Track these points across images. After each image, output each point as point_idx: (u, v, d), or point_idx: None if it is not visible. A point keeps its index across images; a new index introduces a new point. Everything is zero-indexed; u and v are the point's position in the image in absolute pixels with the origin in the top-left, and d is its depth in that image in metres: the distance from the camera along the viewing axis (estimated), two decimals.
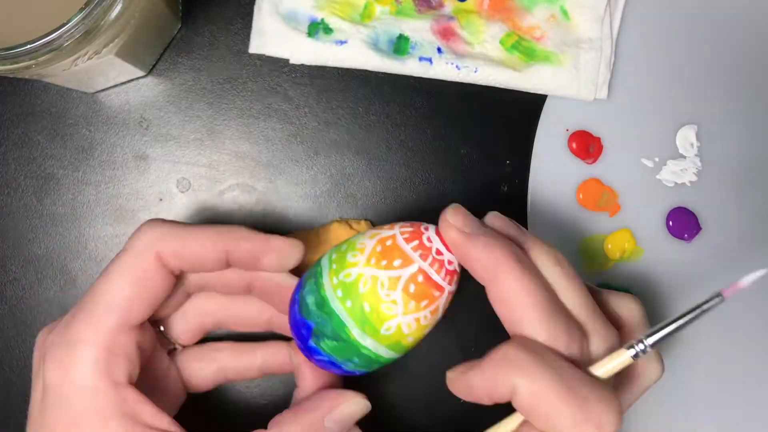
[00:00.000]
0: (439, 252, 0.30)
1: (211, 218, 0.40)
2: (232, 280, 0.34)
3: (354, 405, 0.31)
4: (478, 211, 0.41)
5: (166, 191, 0.40)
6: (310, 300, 0.30)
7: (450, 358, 0.40)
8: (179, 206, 0.40)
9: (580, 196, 0.40)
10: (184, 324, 0.35)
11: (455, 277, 0.30)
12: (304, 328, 0.31)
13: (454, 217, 0.30)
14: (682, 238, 0.41)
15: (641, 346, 0.28)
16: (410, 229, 0.30)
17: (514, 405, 0.28)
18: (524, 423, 0.29)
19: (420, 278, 0.29)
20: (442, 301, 0.30)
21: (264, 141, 0.40)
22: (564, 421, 0.27)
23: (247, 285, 0.34)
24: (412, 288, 0.29)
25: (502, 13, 0.40)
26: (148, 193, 0.40)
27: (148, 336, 0.32)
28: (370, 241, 0.30)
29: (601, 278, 0.40)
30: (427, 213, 0.40)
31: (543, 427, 0.28)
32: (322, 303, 0.30)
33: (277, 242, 0.32)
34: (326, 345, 0.30)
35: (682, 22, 0.41)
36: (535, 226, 0.40)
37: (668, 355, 0.40)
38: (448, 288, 0.30)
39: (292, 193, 0.40)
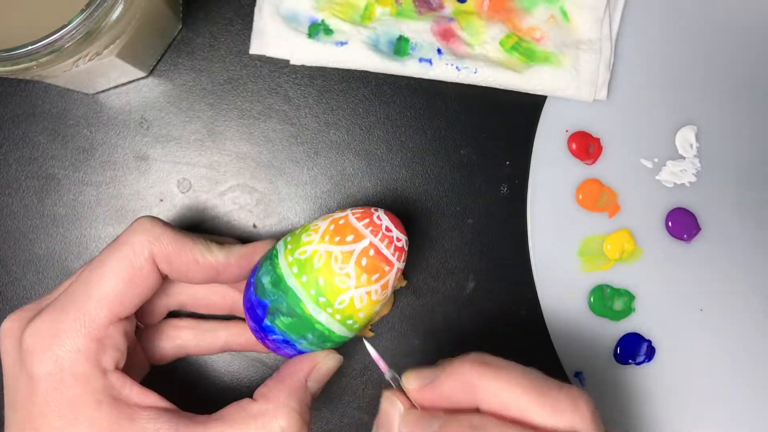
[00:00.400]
0: (388, 229, 0.31)
1: (211, 219, 0.40)
2: (215, 300, 0.37)
3: (330, 361, 0.33)
4: (478, 211, 0.41)
5: (166, 192, 0.40)
6: (266, 280, 0.32)
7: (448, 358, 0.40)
8: (180, 207, 0.40)
9: (580, 196, 0.40)
10: (148, 304, 0.35)
11: (403, 255, 0.32)
12: (260, 308, 0.32)
13: (409, 383, 0.31)
14: (681, 238, 0.41)
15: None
16: (361, 210, 0.32)
17: (484, 408, 0.29)
18: None
19: (371, 252, 0.31)
20: (391, 276, 0.32)
21: (264, 142, 0.40)
22: (540, 417, 0.28)
23: (230, 306, 0.37)
24: (364, 261, 0.31)
25: (501, 15, 0.40)
26: (148, 193, 0.40)
27: (132, 323, 0.33)
28: (324, 222, 0.32)
29: (600, 279, 0.40)
30: (427, 213, 0.41)
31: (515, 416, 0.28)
32: (278, 281, 0.31)
33: (264, 246, 0.34)
34: (281, 322, 0.31)
35: (682, 23, 0.41)
36: (534, 227, 0.40)
37: (665, 356, 0.40)
38: (397, 264, 0.32)
39: (292, 193, 0.40)
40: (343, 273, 0.31)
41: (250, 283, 0.33)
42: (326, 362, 0.33)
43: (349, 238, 0.31)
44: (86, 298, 0.31)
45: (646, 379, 0.40)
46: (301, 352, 0.33)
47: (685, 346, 0.40)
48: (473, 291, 0.41)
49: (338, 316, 0.31)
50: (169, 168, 0.40)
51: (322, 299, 0.31)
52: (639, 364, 0.40)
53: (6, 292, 0.40)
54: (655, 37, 0.41)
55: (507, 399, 0.28)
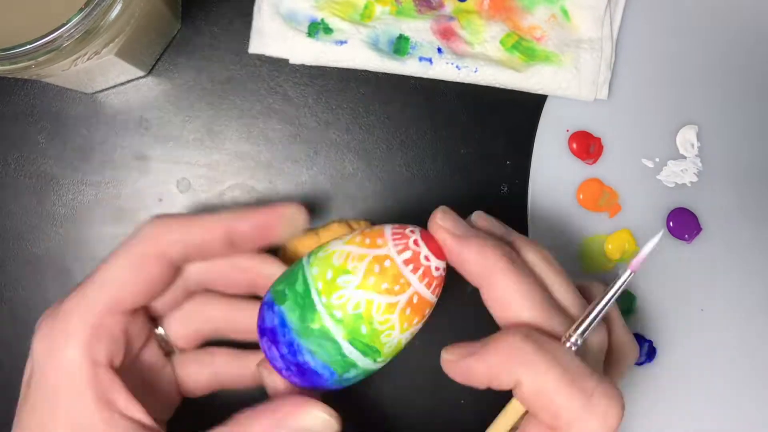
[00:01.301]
0: (427, 258, 0.29)
1: None
2: (235, 277, 0.33)
3: (313, 419, 0.29)
4: (479, 209, 0.41)
5: (166, 191, 0.40)
6: (293, 316, 0.29)
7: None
8: (179, 206, 0.40)
9: (581, 196, 0.40)
10: (183, 328, 0.34)
11: (440, 287, 0.30)
12: (283, 343, 0.30)
13: (443, 220, 0.30)
14: (682, 238, 0.41)
15: (573, 340, 0.29)
16: (402, 241, 0.29)
17: (517, 397, 0.28)
18: (526, 415, 0.29)
19: (415, 300, 0.29)
20: (428, 312, 0.30)
21: (264, 141, 0.40)
22: (569, 415, 0.27)
23: (250, 283, 0.34)
24: (408, 311, 0.29)
25: (502, 14, 0.40)
26: (148, 193, 0.40)
27: (139, 326, 0.32)
28: (362, 264, 0.29)
29: (601, 279, 0.40)
30: (427, 213, 0.41)
31: (548, 420, 0.28)
32: (310, 320, 0.29)
33: (280, 209, 0.32)
34: (311, 357, 0.29)
35: (683, 23, 0.41)
36: (535, 227, 0.40)
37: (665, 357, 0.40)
38: (435, 300, 0.30)
39: (292, 193, 0.40)
40: (387, 325, 0.29)
41: (271, 313, 0.30)
42: (308, 418, 0.29)
43: (396, 288, 0.28)
44: (89, 284, 0.30)
45: (647, 379, 0.40)
46: (327, 388, 0.31)
47: (686, 346, 0.40)
48: (473, 291, 0.41)
49: (379, 359, 0.30)
50: (169, 168, 0.40)
51: (364, 347, 0.29)
52: (640, 364, 0.40)
53: (5, 292, 0.40)
54: (656, 36, 0.41)
55: (507, 304, 0.29)
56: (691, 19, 0.41)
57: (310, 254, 0.30)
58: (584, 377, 0.27)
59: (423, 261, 0.29)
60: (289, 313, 0.29)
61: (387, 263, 0.28)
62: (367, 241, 0.29)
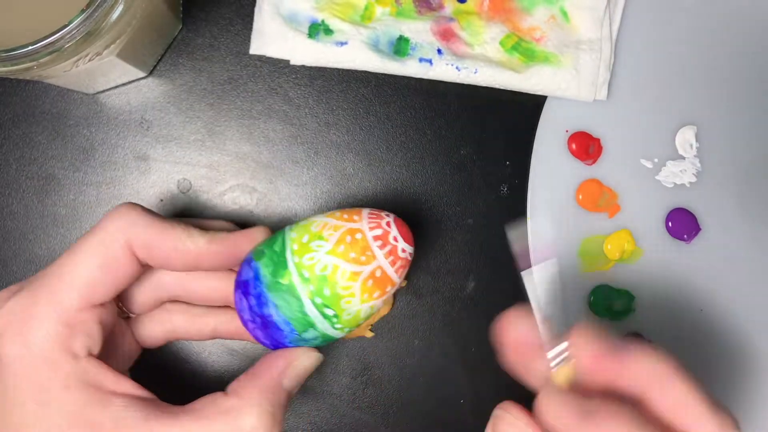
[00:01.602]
0: (395, 239, 0.32)
1: (212, 218, 0.40)
2: (205, 294, 0.35)
3: (307, 359, 0.32)
4: (478, 211, 0.41)
5: (166, 192, 0.40)
6: (266, 271, 0.31)
7: (448, 358, 0.40)
8: (180, 207, 0.40)
9: (580, 196, 0.40)
10: (140, 295, 0.35)
11: (405, 270, 0.32)
12: (255, 296, 0.32)
13: (587, 341, 0.29)
14: (681, 238, 0.41)
15: None
16: (375, 221, 0.32)
17: (652, 406, 0.28)
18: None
19: (378, 273, 0.31)
20: (391, 291, 0.32)
21: (264, 142, 0.40)
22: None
23: (221, 298, 0.36)
24: (369, 283, 0.31)
25: (501, 15, 0.40)
26: (148, 193, 0.40)
27: (110, 311, 0.32)
28: (336, 233, 0.31)
29: (600, 279, 0.40)
30: (427, 213, 0.41)
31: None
32: (280, 276, 0.31)
33: (251, 235, 0.33)
34: (276, 312, 0.31)
35: (682, 23, 0.41)
36: (534, 227, 0.40)
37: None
38: (398, 281, 0.32)
39: (292, 193, 0.40)
40: (348, 291, 0.31)
41: (248, 268, 0.32)
42: (303, 360, 0.32)
43: (362, 258, 0.31)
44: (58, 281, 0.30)
45: None
46: (285, 345, 0.32)
47: (685, 347, 0.40)
48: (473, 291, 0.41)
49: (337, 324, 0.31)
50: (169, 168, 0.40)
51: (325, 309, 0.31)
52: None
53: None
54: (655, 37, 0.41)
55: (684, 404, 0.27)
56: (690, 19, 0.41)
57: (292, 227, 0.32)
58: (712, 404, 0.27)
59: (391, 240, 0.31)
60: (264, 268, 0.31)
61: (358, 236, 0.31)
62: (345, 216, 0.32)
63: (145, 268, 0.33)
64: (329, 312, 0.31)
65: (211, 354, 0.40)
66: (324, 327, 0.31)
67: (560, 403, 0.28)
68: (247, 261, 0.33)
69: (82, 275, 0.30)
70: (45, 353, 0.30)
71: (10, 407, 0.30)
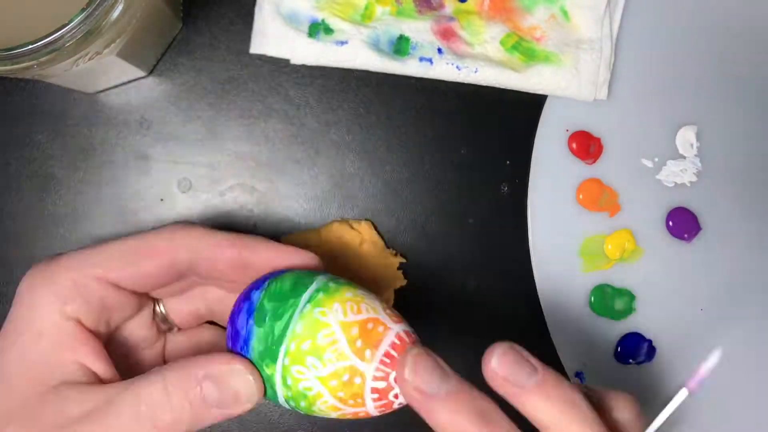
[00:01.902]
0: (396, 396, 0.28)
1: (212, 218, 0.40)
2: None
3: (237, 374, 0.29)
4: (478, 211, 0.41)
5: (167, 191, 0.40)
6: (257, 345, 0.29)
7: (448, 357, 0.40)
8: (180, 206, 0.40)
9: (580, 196, 0.40)
10: (183, 307, 0.34)
11: (386, 411, 0.29)
12: (241, 341, 0.29)
13: (500, 367, 0.29)
14: (682, 238, 0.41)
15: None
16: (388, 367, 0.28)
17: None
18: None
19: (361, 414, 0.28)
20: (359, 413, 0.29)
21: (265, 141, 0.40)
22: None
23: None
24: (347, 415, 0.28)
25: (502, 14, 0.40)
26: (149, 193, 0.40)
27: (122, 300, 0.31)
28: (336, 364, 0.27)
29: (601, 279, 0.40)
30: (427, 213, 0.41)
31: None
32: (267, 364, 0.28)
33: (301, 256, 0.32)
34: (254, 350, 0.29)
35: (682, 23, 0.41)
36: (535, 227, 0.40)
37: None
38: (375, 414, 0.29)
39: (292, 193, 0.40)
40: (323, 412, 0.28)
41: (250, 304, 0.29)
42: (231, 370, 0.29)
43: (350, 402, 0.28)
44: (93, 246, 0.30)
45: (647, 378, 0.40)
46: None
47: (686, 346, 0.40)
48: (473, 291, 0.41)
49: (296, 408, 0.29)
50: (170, 168, 0.40)
51: (294, 407, 0.29)
52: (639, 363, 0.40)
53: (6, 292, 0.40)
54: (655, 36, 0.41)
55: None
56: (690, 19, 0.41)
57: (313, 298, 0.28)
58: None
59: (391, 398, 0.28)
60: (256, 340, 0.28)
61: (357, 380, 0.27)
62: (359, 343, 0.27)
63: (176, 278, 0.31)
64: (298, 410, 0.29)
65: None
66: (281, 402, 0.29)
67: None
68: (249, 311, 0.29)
69: (114, 250, 0.30)
70: (39, 294, 0.29)
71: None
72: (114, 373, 0.30)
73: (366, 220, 0.40)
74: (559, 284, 0.40)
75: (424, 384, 0.27)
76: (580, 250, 0.40)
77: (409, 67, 0.39)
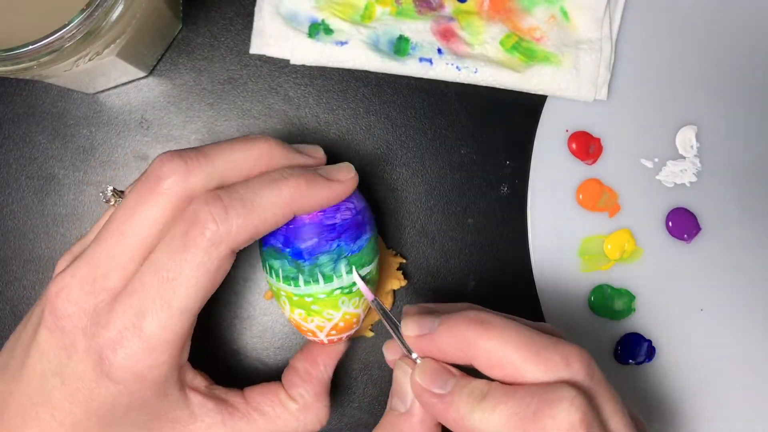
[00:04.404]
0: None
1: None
2: None
3: (341, 347, 0.35)
4: (478, 211, 0.41)
5: None
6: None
7: None
8: None
9: (580, 196, 0.40)
10: None
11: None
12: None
13: (410, 329, 0.31)
14: (681, 238, 0.41)
15: None
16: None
17: (479, 369, 0.29)
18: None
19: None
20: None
21: None
22: (534, 376, 0.28)
23: None
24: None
25: (502, 14, 0.40)
26: None
27: None
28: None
29: (600, 279, 0.40)
30: (427, 213, 0.41)
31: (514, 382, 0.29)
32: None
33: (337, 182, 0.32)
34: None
35: (682, 23, 0.41)
36: (534, 227, 0.40)
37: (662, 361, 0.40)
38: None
39: None
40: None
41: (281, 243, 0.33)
42: (340, 352, 0.35)
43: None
44: (167, 310, 0.29)
45: (647, 378, 0.40)
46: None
47: (686, 346, 0.40)
48: (473, 291, 0.41)
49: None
50: None
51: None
52: (639, 363, 0.40)
53: (6, 291, 0.40)
54: (655, 36, 0.41)
55: (501, 358, 0.29)
56: (690, 19, 0.41)
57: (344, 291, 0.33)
58: (539, 340, 0.28)
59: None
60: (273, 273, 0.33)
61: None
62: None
63: None
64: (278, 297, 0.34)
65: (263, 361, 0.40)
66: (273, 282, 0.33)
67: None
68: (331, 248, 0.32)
69: (191, 302, 0.29)
70: (156, 378, 0.30)
71: (102, 411, 0.30)
72: (211, 381, 0.33)
73: (400, 256, 0.40)
74: (559, 284, 0.40)
75: (421, 329, 0.31)
76: (579, 250, 0.40)
77: (409, 68, 0.39)
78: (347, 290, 0.33)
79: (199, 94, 0.40)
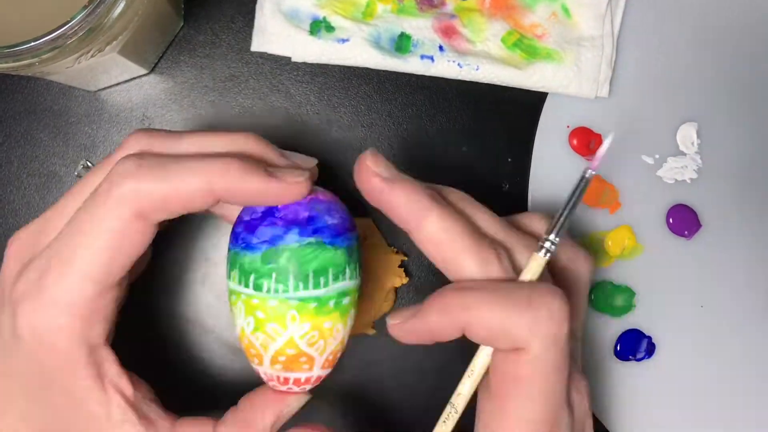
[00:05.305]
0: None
1: (212, 218, 0.40)
2: None
3: (296, 403, 0.32)
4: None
5: None
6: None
7: (450, 355, 0.41)
8: None
9: None
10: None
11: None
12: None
13: (374, 162, 0.30)
14: (682, 235, 0.41)
15: (548, 244, 0.30)
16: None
17: (471, 338, 0.29)
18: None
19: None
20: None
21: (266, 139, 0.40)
22: (523, 333, 0.28)
23: None
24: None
25: (503, 11, 0.40)
26: None
27: (125, 284, 0.31)
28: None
29: (601, 275, 0.40)
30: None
31: (508, 346, 0.29)
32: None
33: (284, 182, 0.29)
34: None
35: (684, 20, 0.41)
36: None
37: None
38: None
39: None
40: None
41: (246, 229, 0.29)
42: (293, 406, 0.32)
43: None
44: (70, 269, 0.28)
45: (647, 375, 0.40)
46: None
47: (686, 343, 0.40)
48: None
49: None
50: None
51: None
52: (639, 360, 0.40)
53: None
54: (656, 33, 0.41)
55: (440, 242, 0.29)
56: (691, 16, 0.41)
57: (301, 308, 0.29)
58: (516, 293, 0.28)
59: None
60: (264, 256, 0.29)
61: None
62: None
63: (164, 224, 0.30)
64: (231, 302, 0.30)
65: (212, 352, 0.40)
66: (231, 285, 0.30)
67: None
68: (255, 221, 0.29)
69: (94, 259, 0.28)
70: (57, 345, 0.29)
71: (14, 376, 0.30)
72: (138, 389, 0.31)
73: (367, 217, 0.40)
74: None
75: (386, 171, 0.30)
76: None
77: (411, 65, 0.39)
78: (303, 303, 0.28)
79: (200, 92, 0.40)
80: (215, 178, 0.28)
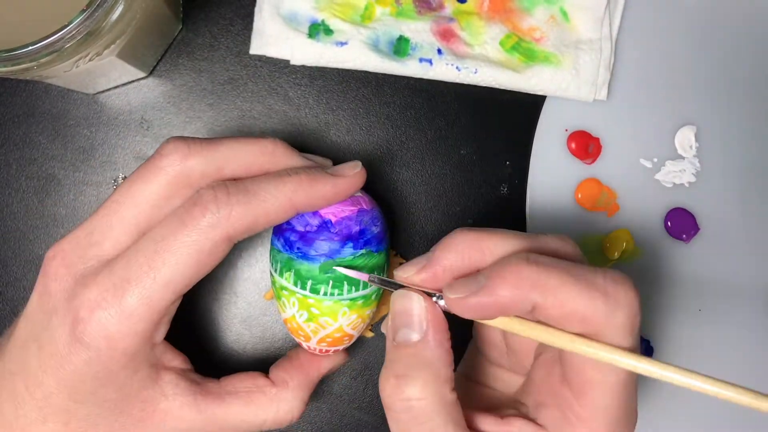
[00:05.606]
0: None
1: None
2: None
3: (340, 360, 0.35)
4: (478, 211, 0.41)
5: None
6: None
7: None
8: None
9: (579, 196, 0.40)
10: None
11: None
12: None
13: (450, 290, 0.29)
14: (680, 238, 0.41)
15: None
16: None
17: (537, 315, 0.28)
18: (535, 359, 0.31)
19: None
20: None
21: None
22: (596, 315, 0.28)
23: None
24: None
25: (501, 15, 0.40)
26: None
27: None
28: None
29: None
30: (427, 213, 0.41)
31: (577, 328, 0.28)
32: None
33: (344, 184, 0.32)
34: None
35: (682, 23, 0.41)
36: (533, 227, 0.40)
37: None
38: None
39: None
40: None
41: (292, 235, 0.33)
42: (338, 362, 0.35)
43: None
44: (152, 281, 0.29)
45: (644, 378, 0.40)
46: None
47: (684, 346, 0.40)
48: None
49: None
50: None
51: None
52: None
53: (6, 292, 0.40)
54: (655, 37, 0.41)
55: (564, 299, 0.28)
56: (690, 20, 0.41)
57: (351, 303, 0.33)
58: (593, 277, 0.28)
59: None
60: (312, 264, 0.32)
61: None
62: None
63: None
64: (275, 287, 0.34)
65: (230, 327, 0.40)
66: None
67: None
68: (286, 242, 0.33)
69: (177, 277, 0.30)
70: (128, 349, 0.30)
71: (68, 377, 0.30)
72: (189, 364, 0.33)
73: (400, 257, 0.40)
74: None
75: (466, 289, 0.29)
76: None
77: (409, 68, 0.39)
78: (353, 302, 0.32)
79: (199, 95, 0.40)
80: (292, 194, 0.31)
